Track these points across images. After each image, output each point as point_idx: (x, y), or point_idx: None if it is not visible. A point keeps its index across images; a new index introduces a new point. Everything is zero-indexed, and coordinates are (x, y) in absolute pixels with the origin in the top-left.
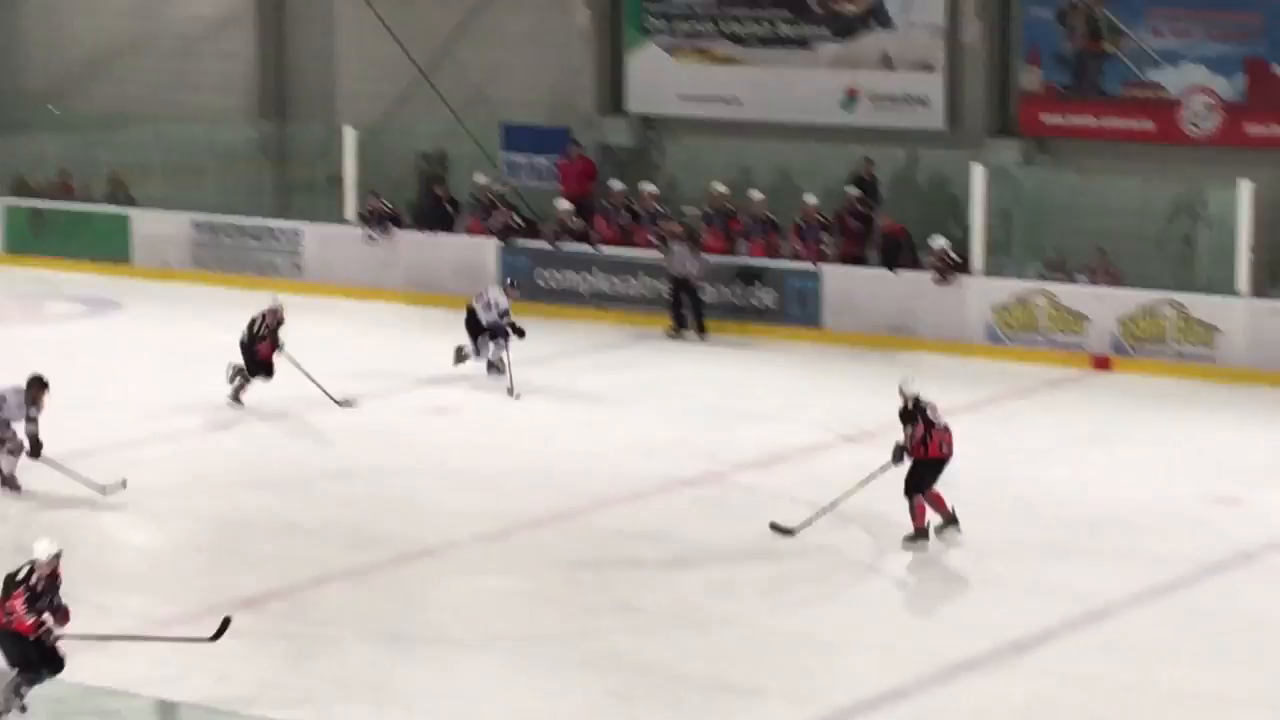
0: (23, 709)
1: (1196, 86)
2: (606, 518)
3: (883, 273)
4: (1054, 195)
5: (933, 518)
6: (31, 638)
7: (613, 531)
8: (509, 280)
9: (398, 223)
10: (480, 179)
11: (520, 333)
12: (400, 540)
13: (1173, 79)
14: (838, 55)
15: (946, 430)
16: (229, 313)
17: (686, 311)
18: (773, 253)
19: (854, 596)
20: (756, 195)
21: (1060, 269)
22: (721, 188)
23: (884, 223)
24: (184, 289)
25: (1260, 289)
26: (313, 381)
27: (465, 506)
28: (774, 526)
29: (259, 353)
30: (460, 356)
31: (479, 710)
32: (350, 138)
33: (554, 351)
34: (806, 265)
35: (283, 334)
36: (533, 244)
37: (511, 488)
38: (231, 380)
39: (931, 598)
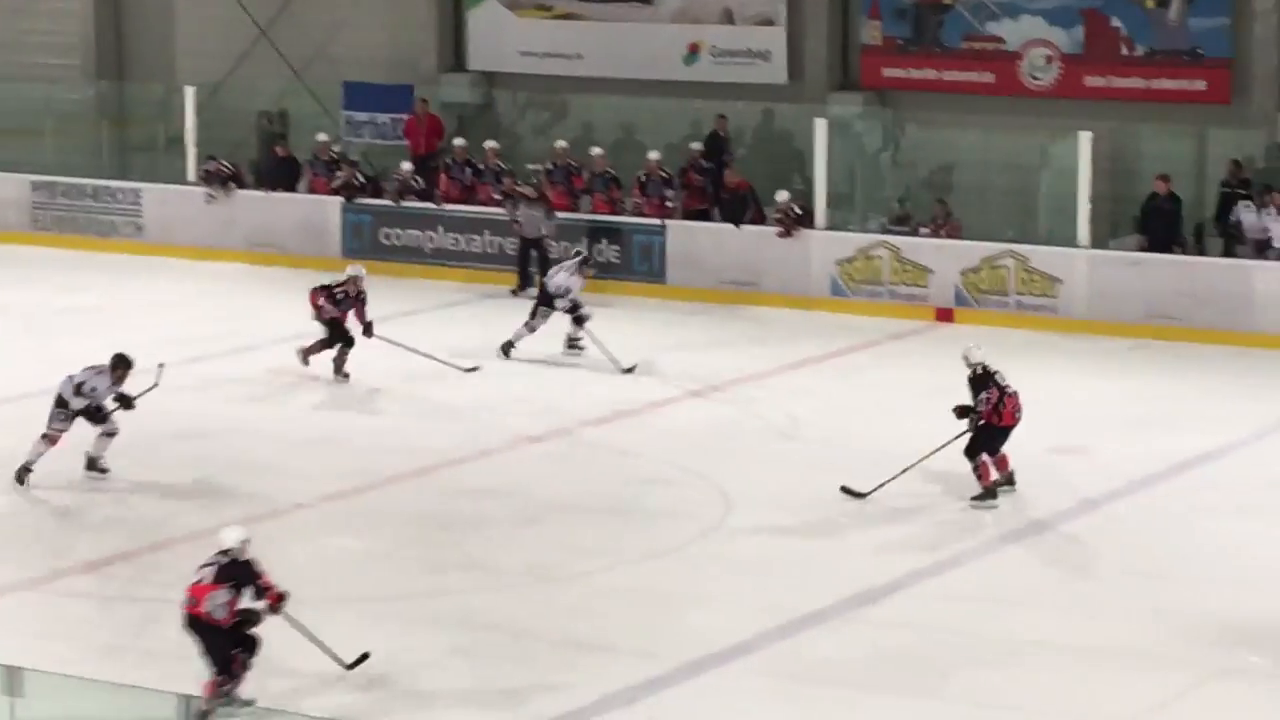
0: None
1: (1035, 39)
2: (455, 476)
3: (726, 228)
4: (895, 148)
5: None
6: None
7: (461, 490)
8: (582, 256)
9: (239, 182)
10: (321, 137)
11: (578, 318)
12: (248, 501)
13: (1012, 31)
14: (679, 10)
15: (1016, 396)
16: (68, 274)
17: (534, 270)
18: (616, 209)
19: (701, 552)
20: (597, 151)
21: (903, 222)
22: (563, 144)
23: (730, 178)
24: (22, 250)
25: (1100, 240)
26: (418, 353)
27: (313, 467)
28: (845, 489)
29: (341, 320)
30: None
31: (328, 669)
32: (190, 97)
33: (399, 310)
34: (651, 221)
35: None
36: (375, 202)
37: (359, 448)
38: (304, 356)
39: (777, 552)
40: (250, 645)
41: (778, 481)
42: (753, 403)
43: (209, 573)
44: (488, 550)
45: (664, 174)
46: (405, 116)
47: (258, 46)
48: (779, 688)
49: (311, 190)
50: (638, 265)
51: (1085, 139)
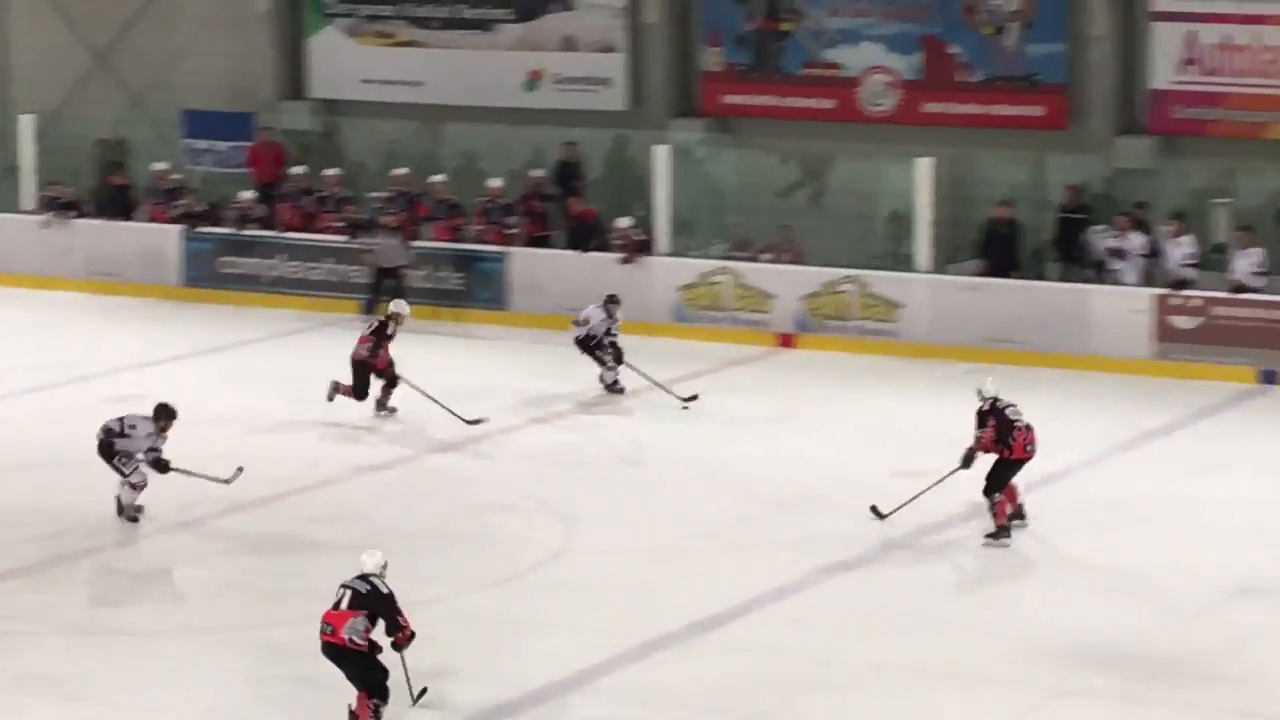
0: None
1: (875, 66)
2: (297, 504)
3: (568, 254)
4: (737, 175)
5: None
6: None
7: (303, 517)
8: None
9: (77, 211)
10: (159, 166)
11: (603, 357)
12: (85, 532)
13: (851, 58)
14: (520, 37)
15: (1029, 429)
16: None
17: (384, 299)
18: (457, 236)
19: (545, 578)
20: (438, 178)
21: (744, 248)
22: (404, 171)
23: (575, 206)
24: None
25: (940, 265)
26: (435, 401)
27: (151, 496)
28: (873, 510)
29: (380, 358)
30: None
31: (169, 699)
32: (27, 125)
33: (240, 339)
34: (492, 248)
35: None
36: (216, 230)
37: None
38: (331, 399)
39: (623, 577)
40: (385, 672)
41: (622, 507)
42: (597, 429)
43: (345, 598)
44: (330, 578)
45: (505, 201)
46: (246, 144)
47: (96, 74)
48: (624, 714)
49: (151, 219)
50: (479, 293)
51: (924, 164)
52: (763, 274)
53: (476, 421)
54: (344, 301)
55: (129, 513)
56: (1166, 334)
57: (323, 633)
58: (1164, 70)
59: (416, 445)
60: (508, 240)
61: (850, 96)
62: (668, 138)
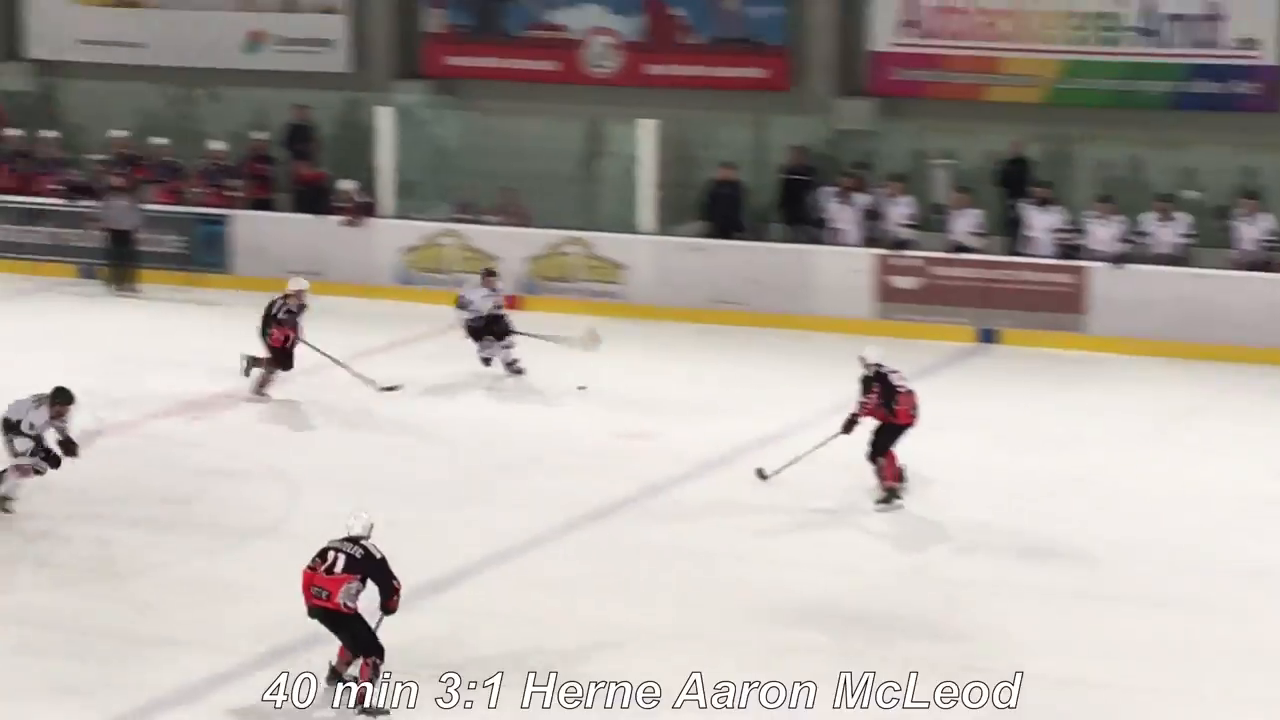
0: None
1: (598, 27)
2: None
3: (291, 217)
4: (461, 137)
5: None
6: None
7: (24, 486)
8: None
9: None
10: None
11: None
12: None
13: (575, 19)
14: None
15: (911, 394)
16: None
17: (118, 263)
18: (178, 199)
19: (269, 543)
20: (159, 141)
21: (470, 210)
22: (123, 134)
23: (304, 169)
24: None
25: (665, 227)
26: (347, 369)
27: None
28: (758, 472)
29: (272, 338)
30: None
31: None
32: None
33: None
34: (214, 211)
35: (304, 320)
36: None
37: None
38: (247, 373)
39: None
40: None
41: (347, 470)
42: (320, 391)
43: (340, 562)
44: (51, 546)
45: (227, 164)
46: None
47: None
48: None
49: None
50: (202, 256)
51: (648, 126)
52: (487, 236)
53: (391, 389)
54: (62, 265)
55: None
56: (887, 294)
57: (316, 596)
58: (884, 32)
59: (138, 410)
60: (230, 203)
61: (573, 58)
62: (391, 100)
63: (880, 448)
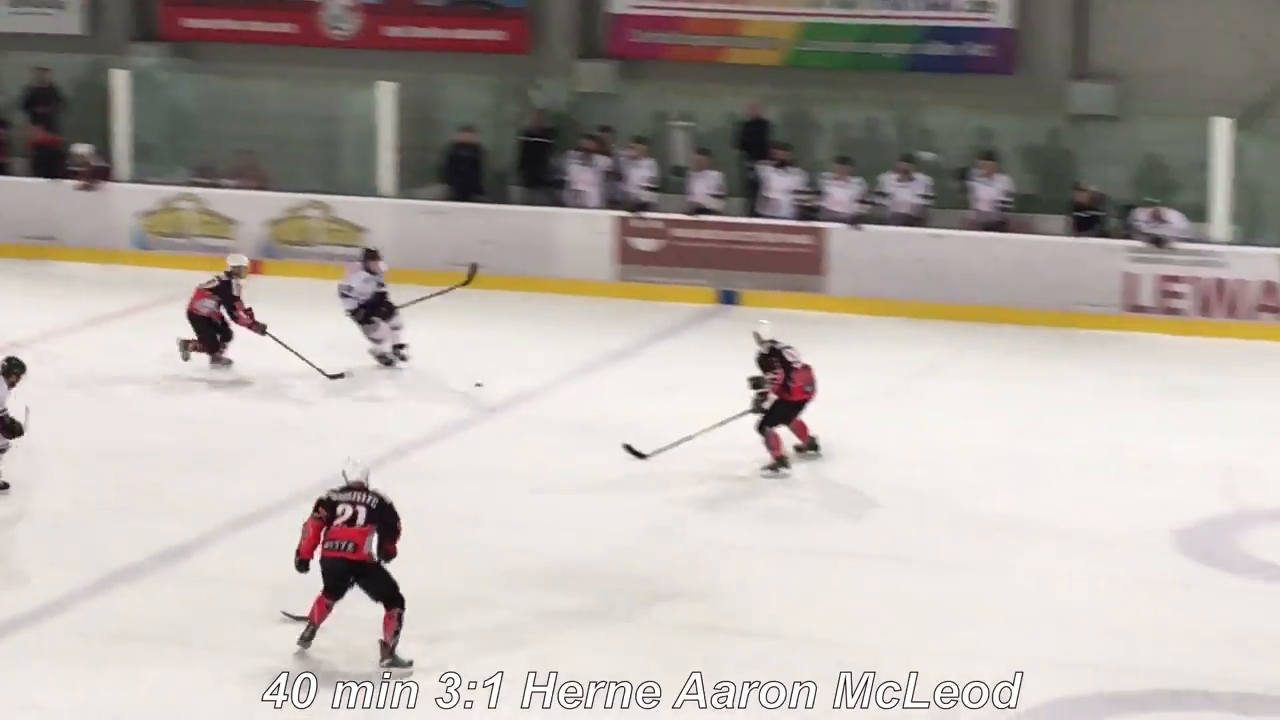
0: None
1: None
2: None
3: (26, 181)
4: (198, 100)
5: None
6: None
7: None
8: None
9: None
10: None
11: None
12: None
13: None
14: None
15: (806, 369)
16: None
17: None
18: None
19: (11, 511)
20: None
21: (208, 174)
22: None
23: (38, 133)
24: None
25: (405, 190)
26: (295, 354)
27: None
28: (627, 448)
29: (239, 320)
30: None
31: None
32: None
33: None
34: None
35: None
36: None
37: None
38: (186, 358)
39: (85, 511)
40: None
41: (84, 436)
42: (56, 359)
43: (361, 514)
44: None
45: None
46: None
47: None
48: (90, 649)
49: None
50: None
51: (386, 89)
52: (226, 200)
53: (339, 376)
54: None
55: None
56: (628, 256)
57: (340, 550)
58: None
59: None
60: None
61: (312, 20)
62: (128, 63)
63: (772, 420)
